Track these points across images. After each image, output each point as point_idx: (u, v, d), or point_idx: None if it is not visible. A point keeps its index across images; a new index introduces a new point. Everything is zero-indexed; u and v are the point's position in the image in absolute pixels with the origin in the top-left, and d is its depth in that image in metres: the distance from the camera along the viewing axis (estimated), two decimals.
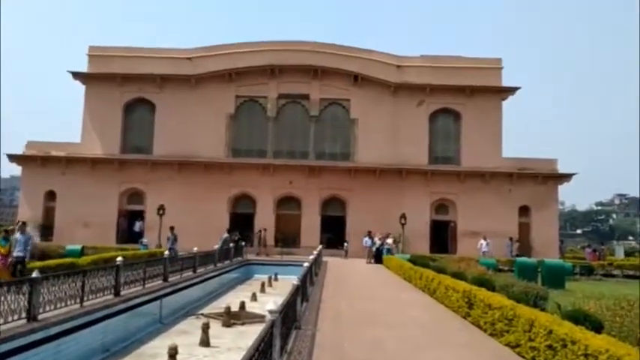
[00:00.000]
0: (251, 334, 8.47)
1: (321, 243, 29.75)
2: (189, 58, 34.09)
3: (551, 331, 6.47)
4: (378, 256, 27.61)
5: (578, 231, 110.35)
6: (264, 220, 32.42)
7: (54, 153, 33.31)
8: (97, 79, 33.90)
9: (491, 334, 8.75)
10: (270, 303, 5.44)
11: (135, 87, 34.03)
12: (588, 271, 25.16)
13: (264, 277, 21.85)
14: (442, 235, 33.24)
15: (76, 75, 34.05)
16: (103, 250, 23.17)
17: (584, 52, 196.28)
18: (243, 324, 13.04)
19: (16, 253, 12.35)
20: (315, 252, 20.38)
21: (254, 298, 17.13)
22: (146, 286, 12.77)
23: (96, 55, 34.60)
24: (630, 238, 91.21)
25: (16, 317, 7.67)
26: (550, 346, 6.41)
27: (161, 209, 29.88)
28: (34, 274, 8.26)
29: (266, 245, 30.70)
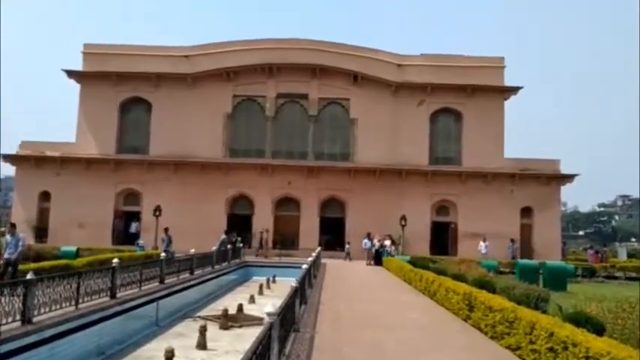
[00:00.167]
0: (249, 336, 8.38)
1: (320, 245, 29.55)
2: (186, 57, 33.70)
3: (552, 334, 6.43)
4: (377, 258, 27.50)
5: (581, 232, 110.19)
6: (263, 221, 32.11)
7: (48, 153, 32.97)
8: (91, 77, 33.53)
9: (491, 337, 8.69)
10: (268, 305, 5.39)
11: (130, 86, 33.67)
12: (590, 273, 25.00)
13: (263, 279, 21.72)
14: (443, 237, 33.00)
15: (71, 73, 33.66)
16: (98, 251, 23.06)
17: (584, 52, 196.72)
18: (240, 327, 12.93)
19: (7, 255, 12.25)
20: (313, 254, 20.27)
21: (252, 300, 17.02)
22: (142, 288, 12.66)
23: (91, 53, 34.11)
24: (633, 239, 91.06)
25: (10, 319, 7.59)
26: (551, 349, 6.38)
27: (157, 210, 29.71)
28: (29, 276, 8.18)
29: (268, 247, 30.53)
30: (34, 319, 8.07)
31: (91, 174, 32.48)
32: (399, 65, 33.70)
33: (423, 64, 33.94)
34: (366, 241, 28.94)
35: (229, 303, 15.50)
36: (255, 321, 13.09)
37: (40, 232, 31.80)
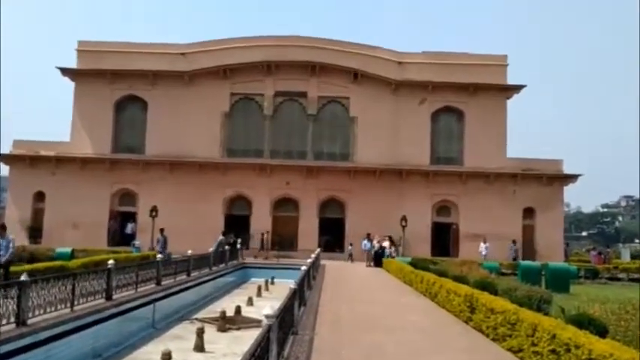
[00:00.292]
0: (247, 339, 8.29)
1: (319, 246, 29.28)
2: (182, 54, 33.32)
3: (554, 336, 6.38)
4: (377, 259, 27.37)
5: (584, 233, 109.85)
6: (261, 222, 31.90)
7: (43, 152, 32.64)
8: (86, 75, 33.07)
9: (493, 339, 8.62)
10: (266, 307, 5.35)
11: (126, 84, 33.29)
12: (593, 275, 24.89)
13: (261, 281, 21.58)
14: (443, 238, 32.82)
15: (65, 71, 33.25)
16: (93, 252, 22.89)
17: (584, 51, 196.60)
18: (238, 329, 12.82)
19: None
20: (313, 255, 20.16)
21: (250, 302, 16.88)
22: (139, 289, 12.54)
23: (85, 50, 33.68)
24: (636, 240, 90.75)
25: (4, 322, 7.49)
26: (553, 351, 6.33)
27: (154, 211, 29.33)
28: (23, 277, 8.05)
29: (268, 248, 30.34)
30: (29, 321, 7.96)
31: (86, 174, 32.18)
32: (400, 63, 33.38)
33: (424, 61, 33.60)
34: (365, 242, 28.80)
35: (227, 305, 15.35)
36: (253, 323, 12.96)
37: (35, 232, 31.50)
